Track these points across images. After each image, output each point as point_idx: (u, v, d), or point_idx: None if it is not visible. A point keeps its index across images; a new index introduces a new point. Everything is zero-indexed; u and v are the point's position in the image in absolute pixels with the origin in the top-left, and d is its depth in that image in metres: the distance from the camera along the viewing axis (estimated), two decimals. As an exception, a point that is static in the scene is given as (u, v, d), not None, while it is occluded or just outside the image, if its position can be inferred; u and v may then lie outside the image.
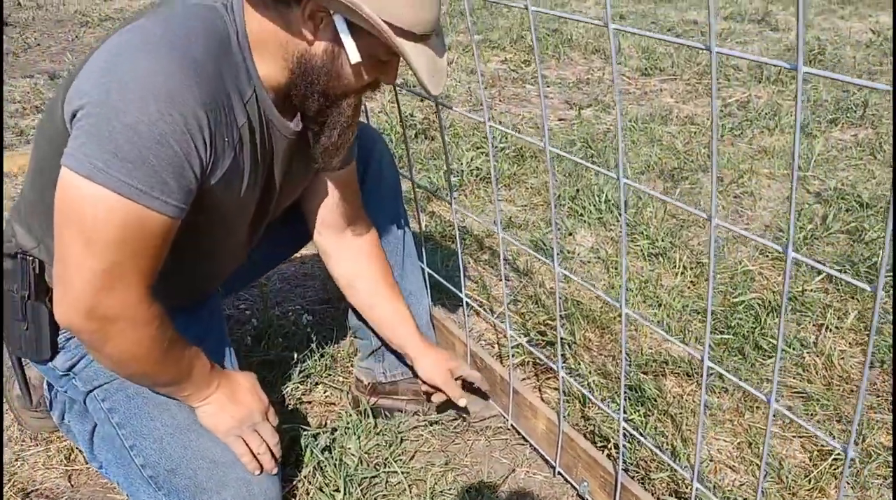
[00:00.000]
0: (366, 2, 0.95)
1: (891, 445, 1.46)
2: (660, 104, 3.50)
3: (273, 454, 1.17)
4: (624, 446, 1.45)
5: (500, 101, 3.62)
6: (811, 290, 1.96)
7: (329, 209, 1.36)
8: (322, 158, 1.15)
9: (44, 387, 1.32)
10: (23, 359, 1.28)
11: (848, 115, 3.23)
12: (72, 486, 1.38)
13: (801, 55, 0.71)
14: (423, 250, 1.66)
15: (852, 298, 1.92)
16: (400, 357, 1.53)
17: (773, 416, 1.52)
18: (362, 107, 1.24)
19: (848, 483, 1.39)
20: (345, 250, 1.41)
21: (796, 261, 2.05)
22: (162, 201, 0.92)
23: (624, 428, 1.22)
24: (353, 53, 1.00)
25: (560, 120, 3.39)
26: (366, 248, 1.42)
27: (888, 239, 0.69)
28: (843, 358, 1.70)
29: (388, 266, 1.45)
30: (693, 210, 0.93)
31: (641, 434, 1.49)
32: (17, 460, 1.44)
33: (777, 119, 3.18)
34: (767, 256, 2.15)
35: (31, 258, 1.13)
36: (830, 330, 1.80)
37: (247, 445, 1.14)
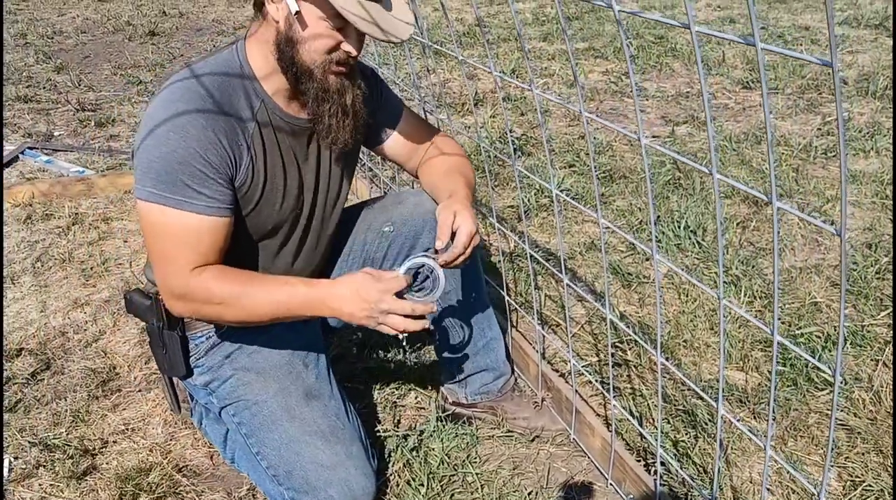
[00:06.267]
0: None
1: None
2: (758, 121, 3.57)
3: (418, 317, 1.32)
4: (667, 465, 1.65)
5: (597, 115, 3.79)
6: (875, 324, 2.07)
7: (405, 163, 1.67)
8: (321, 132, 1.38)
9: (187, 396, 1.67)
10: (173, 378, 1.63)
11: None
12: (213, 464, 1.73)
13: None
14: (511, 272, 1.90)
15: (915, 335, 2.01)
16: (480, 386, 1.80)
17: (813, 444, 1.68)
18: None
19: (877, 513, 1.54)
20: (420, 170, 1.67)
21: (860, 293, 2.13)
22: (191, 204, 1.27)
23: (661, 455, 1.43)
24: (292, 4, 1.24)
25: (654, 136, 3.52)
26: (429, 163, 1.65)
27: None
28: (892, 394, 1.82)
29: (443, 162, 1.62)
30: (699, 284, 1.13)
31: (688, 455, 1.69)
32: (171, 439, 1.80)
33: (874, 141, 3.20)
34: (838, 288, 2.25)
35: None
36: (887, 365, 1.92)
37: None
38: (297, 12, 1.25)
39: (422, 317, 1.31)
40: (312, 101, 1.34)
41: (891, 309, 2.11)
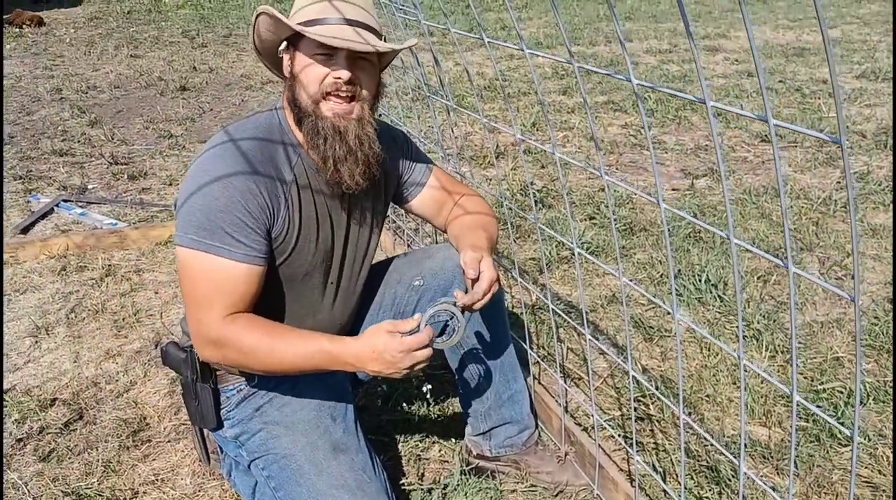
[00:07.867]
0: (285, 17, 1.34)
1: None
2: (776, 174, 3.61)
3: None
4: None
5: (616, 168, 3.85)
6: (899, 380, 2.07)
7: (433, 219, 1.76)
8: (325, 172, 1.41)
9: (216, 448, 1.70)
10: (204, 430, 1.66)
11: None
12: (240, 516, 1.76)
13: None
14: (533, 324, 1.93)
15: (939, 391, 2.01)
16: (505, 439, 1.82)
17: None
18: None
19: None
20: (447, 225, 1.74)
21: (882, 348, 2.14)
22: (230, 251, 1.34)
23: (685, 510, 1.44)
24: (286, 49, 1.40)
25: (674, 189, 3.57)
26: (456, 219, 1.71)
27: None
28: (918, 452, 1.82)
29: (469, 217, 1.69)
30: (718, 342, 1.16)
31: (712, 512, 1.69)
32: (199, 491, 1.83)
33: (893, 194, 3.22)
34: (859, 342, 2.26)
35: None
36: (912, 422, 1.91)
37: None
38: (293, 54, 1.38)
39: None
40: (307, 134, 1.39)
41: (914, 364, 2.11)
